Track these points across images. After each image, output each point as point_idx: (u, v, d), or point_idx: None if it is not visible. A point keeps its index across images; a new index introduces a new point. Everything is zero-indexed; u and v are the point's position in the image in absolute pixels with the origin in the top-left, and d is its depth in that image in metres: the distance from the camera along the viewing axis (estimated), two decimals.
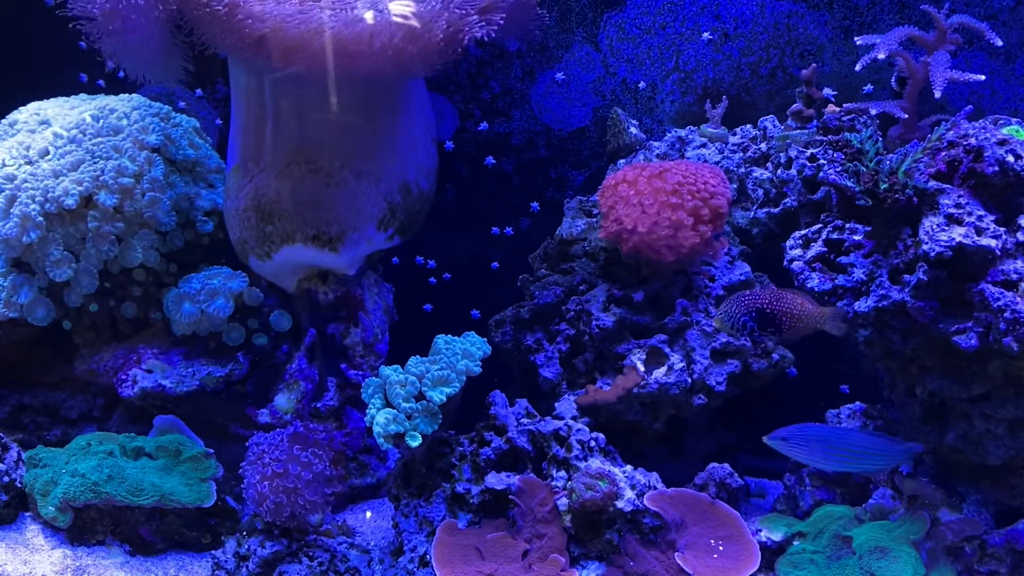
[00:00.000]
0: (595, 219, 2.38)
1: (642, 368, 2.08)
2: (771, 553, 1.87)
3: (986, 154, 1.76)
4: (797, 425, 1.77)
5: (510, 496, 1.86)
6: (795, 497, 2.08)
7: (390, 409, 1.87)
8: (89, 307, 2.28)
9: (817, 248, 1.94)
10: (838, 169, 1.90)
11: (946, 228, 1.73)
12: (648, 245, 2.05)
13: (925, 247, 1.73)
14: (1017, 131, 1.81)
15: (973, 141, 1.79)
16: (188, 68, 2.15)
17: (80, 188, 2.19)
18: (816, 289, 1.90)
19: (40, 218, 2.18)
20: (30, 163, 2.25)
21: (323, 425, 2.24)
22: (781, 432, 1.75)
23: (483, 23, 1.92)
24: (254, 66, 2.05)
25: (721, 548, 1.81)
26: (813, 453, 1.72)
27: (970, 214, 1.74)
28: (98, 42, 2.01)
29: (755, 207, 2.36)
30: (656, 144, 2.56)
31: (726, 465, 2.05)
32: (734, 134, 2.52)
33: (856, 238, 1.89)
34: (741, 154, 2.45)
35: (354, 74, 1.92)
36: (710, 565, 1.78)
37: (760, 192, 2.37)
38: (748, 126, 2.52)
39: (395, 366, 1.93)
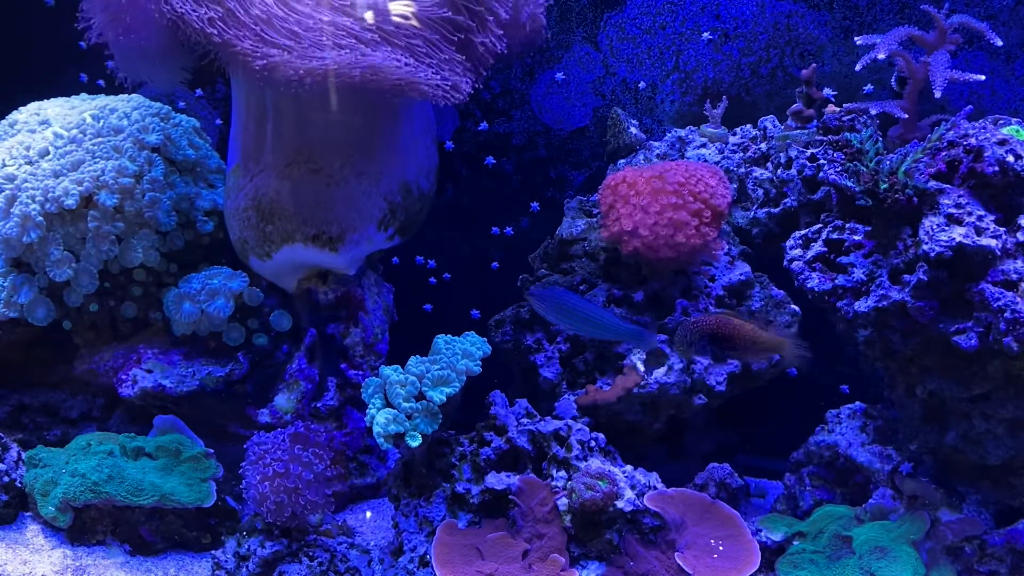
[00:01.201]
0: (595, 219, 2.38)
1: (642, 368, 2.08)
2: (771, 553, 1.87)
3: (986, 154, 1.76)
4: (556, 288, 2.08)
5: (510, 496, 1.86)
6: (795, 497, 2.08)
7: (390, 409, 1.87)
8: (89, 307, 2.28)
9: (817, 248, 1.94)
10: (838, 169, 1.90)
11: (946, 228, 1.73)
12: (648, 246, 2.05)
13: (925, 247, 1.74)
14: (1017, 131, 1.82)
15: (973, 141, 1.79)
16: (188, 68, 2.15)
17: (80, 188, 2.19)
18: (816, 289, 1.90)
19: (40, 218, 2.18)
20: (30, 163, 2.26)
21: (323, 425, 2.24)
22: (537, 288, 1.99)
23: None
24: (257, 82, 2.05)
25: (721, 548, 1.81)
26: (549, 311, 1.92)
27: (970, 214, 1.74)
28: (105, 45, 2.02)
29: (755, 207, 2.36)
30: (656, 144, 2.56)
31: (726, 465, 2.05)
32: (734, 134, 2.52)
33: (856, 238, 1.89)
34: (741, 154, 2.45)
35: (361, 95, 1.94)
36: (710, 565, 1.78)
37: (760, 192, 2.37)
38: (748, 126, 2.52)
39: (395, 366, 1.93)
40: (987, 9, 2.36)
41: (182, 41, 1.90)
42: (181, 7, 1.81)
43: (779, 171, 2.33)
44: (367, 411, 1.91)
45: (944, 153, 1.83)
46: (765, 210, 2.33)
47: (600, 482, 1.81)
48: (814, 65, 2.38)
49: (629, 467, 1.93)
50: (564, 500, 1.84)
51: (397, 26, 1.91)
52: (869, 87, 2.41)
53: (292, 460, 1.90)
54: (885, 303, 1.80)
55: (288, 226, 2.20)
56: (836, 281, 1.88)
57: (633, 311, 2.16)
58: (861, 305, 1.83)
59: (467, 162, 2.76)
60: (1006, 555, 1.78)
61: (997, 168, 1.75)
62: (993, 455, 1.84)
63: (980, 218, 1.74)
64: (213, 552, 1.96)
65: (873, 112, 2.18)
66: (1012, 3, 2.35)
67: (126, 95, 2.46)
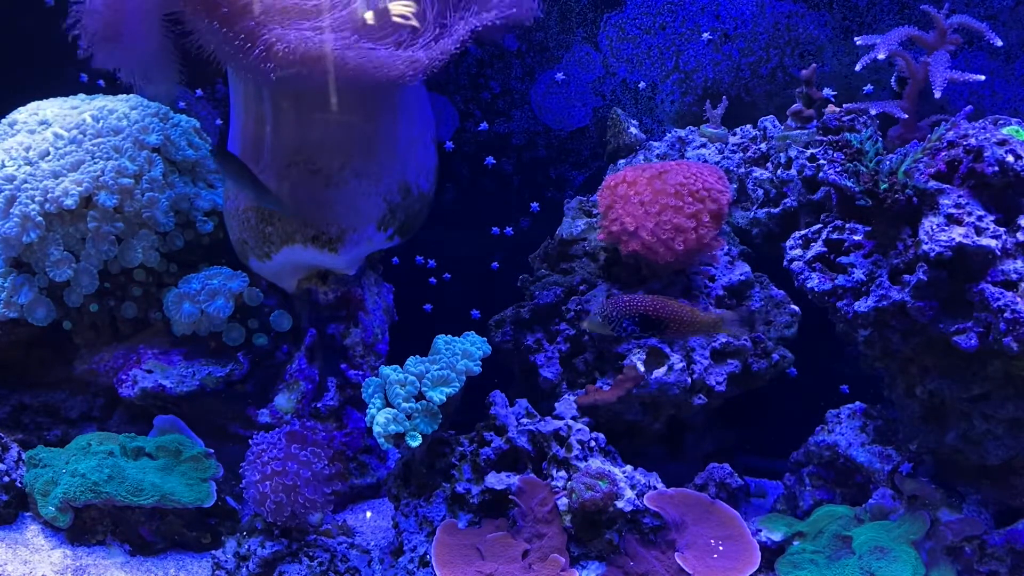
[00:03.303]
0: (595, 219, 2.38)
1: (642, 368, 2.08)
2: (771, 553, 1.87)
3: (986, 154, 1.76)
4: None
5: (510, 496, 1.86)
6: (795, 497, 2.08)
7: (390, 409, 1.87)
8: (89, 307, 2.28)
9: (817, 248, 1.94)
10: (838, 169, 1.90)
11: (946, 228, 1.73)
12: (648, 246, 2.05)
13: (925, 247, 1.73)
14: (1017, 131, 1.81)
15: (973, 141, 1.79)
16: (182, 70, 2.15)
17: (80, 188, 2.19)
18: (816, 289, 1.90)
19: (39, 218, 2.18)
20: (30, 164, 2.26)
21: (323, 425, 2.24)
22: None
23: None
24: (257, 80, 2.05)
25: (721, 548, 1.82)
26: None
27: (970, 214, 1.74)
28: (94, 52, 2.02)
29: (755, 207, 2.36)
30: (656, 144, 2.56)
31: (726, 465, 2.05)
32: (734, 134, 2.52)
33: (856, 238, 1.89)
34: (741, 154, 2.45)
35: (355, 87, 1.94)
36: (710, 565, 1.78)
37: (760, 192, 2.37)
38: (748, 126, 2.52)
39: (395, 366, 1.93)
40: (987, 9, 2.36)
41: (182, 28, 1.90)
42: None
43: (779, 171, 2.33)
44: (367, 411, 1.91)
45: (944, 153, 1.83)
46: (765, 210, 2.33)
47: (600, 482, 1.81)
48: (814, 65, 2.38)
49: (629, 467, 1.93)
50: (564, 500, 1.84)
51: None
52: (869, 87, 2.41)
53: (289, 458, 1.90)
54: (885, 303, 1.80)
55: (288, 227, 2.20)
56: (836, 281, 1.88)
57: None
58: (861, 305, 1.83)
59: (467, 162, 2.76)
60: (1006, 555, 1.78)
61: (997, 168, 1.75)
62: (993, 455, 1.84)
63: (980, 218, 1.74)
64: (213, 552, 1.97)
65: (873, 112, 2.18)
66: (1012, 3, 2.35)
67: (125, 95, 2.46)
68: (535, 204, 2.63)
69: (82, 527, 2.06)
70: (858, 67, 2.11)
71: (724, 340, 2.13)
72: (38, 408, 2.41)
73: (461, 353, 1.93)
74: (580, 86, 2.69)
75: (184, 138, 2.43)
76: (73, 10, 2.01)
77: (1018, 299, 1.66)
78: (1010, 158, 1.75)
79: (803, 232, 2.00)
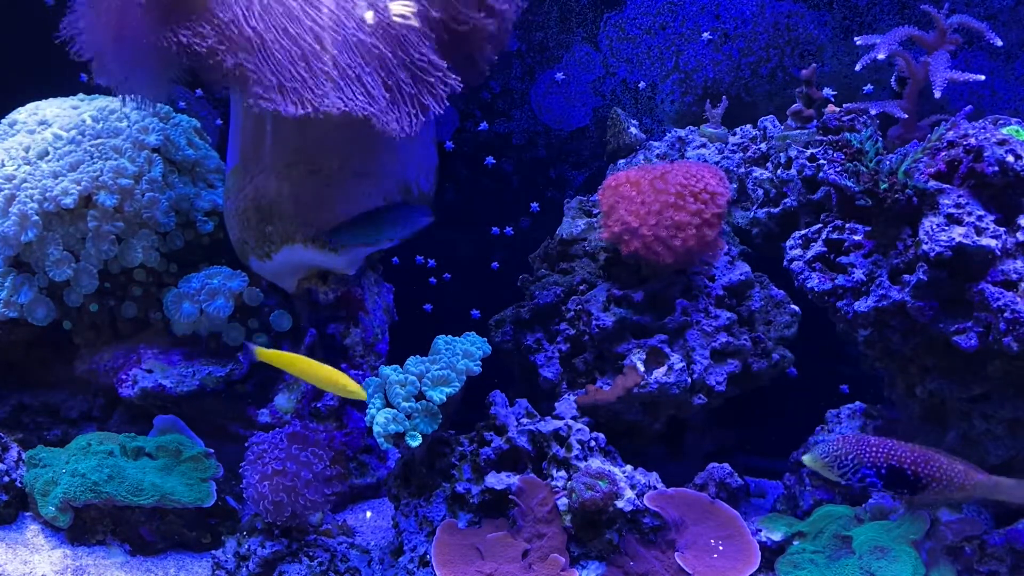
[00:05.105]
0: (595, 219, 2.38)
1: (642, 368, 2.08)
2: (771, 553, 1.87)
3: (986, 154, 1.76)
4: None
5: (510, 496, 1.86)
6: (795, 497, 2.08)
7: (390, 409, 1.87)
8: (89, 307, 2.28)
9: (817, 248, 1.94)
10: (838, 169, 1.90)
11: (946, 228, 1.73)
12: (648, 246, 2.05)
13: (925, 247, 1.74)
14: (1017, 131, 1.82)
15: (973, 141, 1.79)
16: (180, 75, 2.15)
17: (79, 188, 2.19)
18: (816, 289, 1.90)
19: (37, 217, 2.18)
20: (29, 163, 2.26)
21: (323, 425, 2.24)
22: None
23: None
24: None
25: (721, 548, 1.82)
26: None
27: (970, 214, 1.74)
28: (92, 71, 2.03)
29: (755, 207, 2.36)
30: (656, 144, 2.56)
31: (726, 465, 2.04)
32: (734, 134, 2.52)
33: (856, 238, 1.89)
34: (741, 154, 2.45)
35: None
36: (710, 565, 1.78)
37: (760, 192, 2.37)
38: (748, 126, 2.52)
39: (395, 366, 1.93)
40: (987, 9, 2.36)
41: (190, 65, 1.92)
42: (200, 44, 1.83)
43: (779, 171, 2.33)
44: (367, 411, 1.91)
45: (944, 153, 1.83)
46: (765, 210, 2.33)
47: (600, 482, 1.81)
48: (814, 65, 2.38)
49: (629, 467, 1.93)
50: (564, 500, 1.84)
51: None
52: (869, 87, 2.41)
53: (290, 459, 1.90)
54: (885, 303, 1.80)
55: (288, 227, 2.20)
56: (836, 281, 1.88)
57: (633, 311, 2.16)
58: (861, 305, 1.83)
59: (467, 162, 2.76)
60: (1006, 555, 1.78)
61: (997, 168, 1.75)
62: (993, 455, 1.84)
63: (980, 218, 1.74)
64: (213, 552, 1.97)
65: (873, 112, 2.18)
66: (1012, 3, 2.35)
67: None
68: (535, 204, 2.63)
69: (82, 527, 2.06)
70: (858, 67, 2.11)
71: (724, 340, 2.13)
72: (38, 408, 2.41)
73: (461, 353, 1.93)
74: (580, 86, 2.69)
75: (184, 138, 2.43)
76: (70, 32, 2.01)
77: (1018, 299, 1.66)
78: (1010, 158, 1.75)
79: (803, 232, 2.00)
